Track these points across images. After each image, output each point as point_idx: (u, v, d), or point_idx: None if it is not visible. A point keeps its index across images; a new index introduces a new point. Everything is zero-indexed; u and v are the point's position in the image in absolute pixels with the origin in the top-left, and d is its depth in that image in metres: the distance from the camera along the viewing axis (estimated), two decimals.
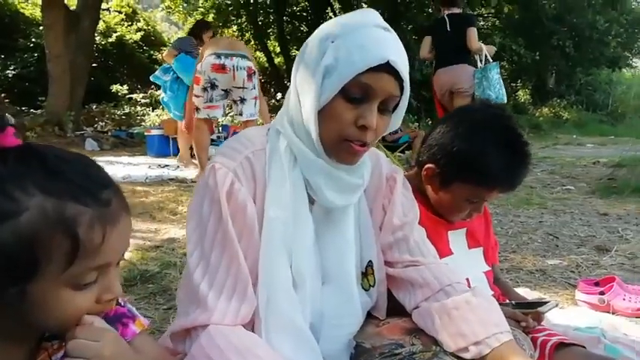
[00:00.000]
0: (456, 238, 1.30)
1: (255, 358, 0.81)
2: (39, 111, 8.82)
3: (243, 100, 3.90)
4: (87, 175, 0.63)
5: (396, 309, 1.07)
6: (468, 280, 1.03)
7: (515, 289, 1.55)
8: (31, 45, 10.61)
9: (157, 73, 5.47)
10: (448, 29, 4.47)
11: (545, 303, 1.22)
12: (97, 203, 0.62)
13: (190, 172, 4.97)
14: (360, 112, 0.90)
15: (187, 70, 4.77)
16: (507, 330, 0.92)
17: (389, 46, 0.88)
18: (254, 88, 3.93)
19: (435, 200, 1.27)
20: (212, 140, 4.86)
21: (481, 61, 4.43)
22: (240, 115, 3.98)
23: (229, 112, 6.33)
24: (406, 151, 5.68)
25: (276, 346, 0.89)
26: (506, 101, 4.59)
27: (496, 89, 4.33)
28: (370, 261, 1.05)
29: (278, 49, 14.13)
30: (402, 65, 0.89)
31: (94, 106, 10.09)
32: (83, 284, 0.63)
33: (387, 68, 0.87)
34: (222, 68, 3.76)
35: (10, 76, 10.40)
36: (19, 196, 0.58)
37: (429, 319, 0.97)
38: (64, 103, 8.06)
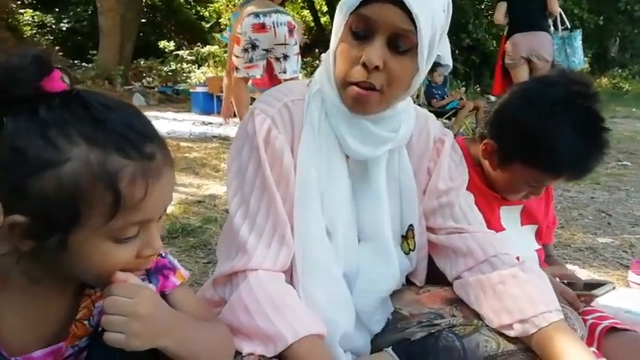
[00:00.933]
0: (509, 214, 1.23)
1: (290, 312, 0.81)
2: (90, 65, 9.07)
3: (286, 57, 3.83)
4: (132, 126, 0.60)
5: (437, 277, 1.03)
6: (518, 258, 0.97)
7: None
8: None
9: (224, 33, 5.48)
10: None
11: (601, 285, 1.12)
12: (141, 156, 0.59)
13: (233, 130, 5.02)
14: (364, 48, 0.84)
15: None
16: (557, 309, 0.86)
17: None
18: (295, 44, 3.85)
19: (490, 177, 1.18)
20: (253, 100, 4.87)
21: (555, 26, 4.28)
22: (284, 72, 3.92)
23: None
24: (453, 118, 5.50)
25: (311, 294, 0.89)
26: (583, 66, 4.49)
27: (579, 56, 4.27)
28: (411, 224, 1.01)
29: (325, 8, 13.79)
30: None
31: (142, 62, 10.27)
32: (124, 238, 0.62)
33: None
34: (262, 28, 3.70)
35: (63, 29, 10.68)
36: (62, 144, 0.56)
37: (472, 291, 0.93)
38: (114, 58, 8.24)
